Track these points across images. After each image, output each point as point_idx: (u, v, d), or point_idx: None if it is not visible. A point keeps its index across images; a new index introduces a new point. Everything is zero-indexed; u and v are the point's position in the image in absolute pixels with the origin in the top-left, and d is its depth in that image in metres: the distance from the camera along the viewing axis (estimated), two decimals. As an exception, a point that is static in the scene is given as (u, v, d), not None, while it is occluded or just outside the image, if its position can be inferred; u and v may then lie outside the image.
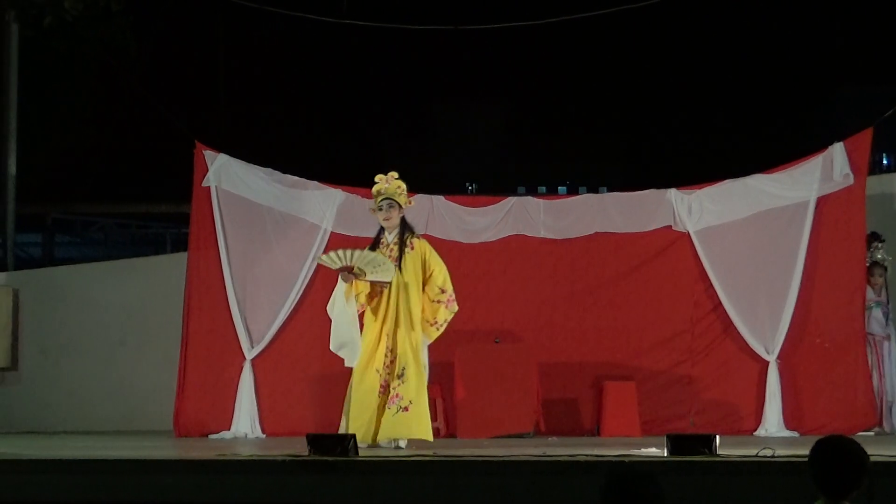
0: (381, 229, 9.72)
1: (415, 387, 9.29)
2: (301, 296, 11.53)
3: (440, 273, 9.54)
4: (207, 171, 11.62)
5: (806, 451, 4.65)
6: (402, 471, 7.37)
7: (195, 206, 11.71)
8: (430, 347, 11.37)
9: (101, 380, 12.59)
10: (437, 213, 11.70)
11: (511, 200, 11.81)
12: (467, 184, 28.02)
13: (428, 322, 9.51)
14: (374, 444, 9.20)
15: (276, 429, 11.22)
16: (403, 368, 9.32)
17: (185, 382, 11.35)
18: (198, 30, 21.30)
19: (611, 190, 14.18)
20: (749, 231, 11.47)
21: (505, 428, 10.72)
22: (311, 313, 11.57)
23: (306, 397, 11.51)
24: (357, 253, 9.42)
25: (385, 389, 9.34)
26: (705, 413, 11.27)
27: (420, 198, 11.73)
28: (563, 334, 11.60)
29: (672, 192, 11.63)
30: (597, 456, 7.86)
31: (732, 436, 10.25)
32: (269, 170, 11.81)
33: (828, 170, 11.37)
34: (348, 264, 9.39)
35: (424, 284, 9.53)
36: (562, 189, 30.07)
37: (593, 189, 21.45)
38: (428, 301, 9.52)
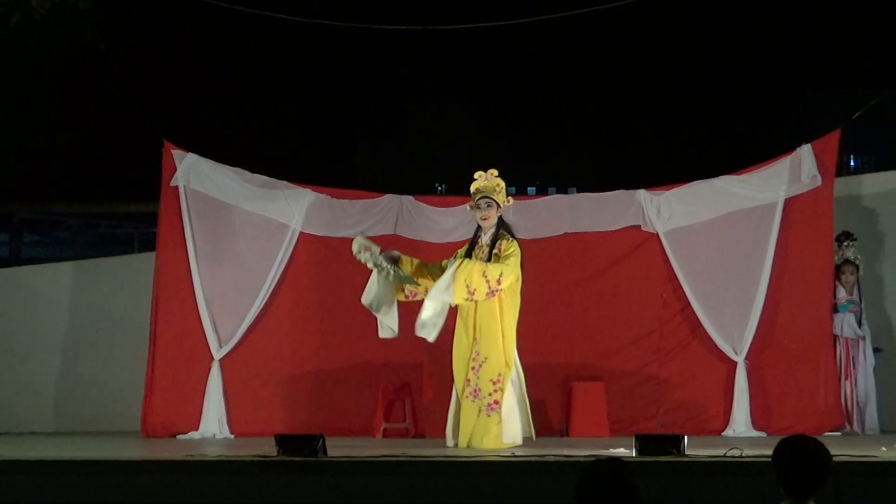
0: (478, 229, 9.63)
1: (509, 393, 9.31)
2: (270, 296, 11.52)
3: (500, 268, 9.27)
4: (176, 170, 11.60)
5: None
6: (370, 471, 7.36)
7: (163, 205, 11.67)
8: (399, 348, 11.41)
9: (69, 380, 12.54)
10: (407, 212, 11.70)
11: (481, 201, 11.80)
12: (437, 184, 28.02)
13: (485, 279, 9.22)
14: (463, 446, 9.24)
15: (245, 429, 11.19)
16: (499, 375, 9.32)
17: (154, 383, 11.31)
18: (168, 29, 21.20)
19: (580, 190, 14.24)
20: (717, 232, 11.50)
21: (474, 428, 10.70)
22: (279, 313, 11.57)
23: (275, 398, 11.48)
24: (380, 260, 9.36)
25: (476, 393, 9.35)
26: (673, 413, 11.30)
27: (389, 198, 11.76)
28: (531, 335, 11.53)
29: (641, 193, 11.66)
30: (565, 456, 7.87)
31: (700, 436, 10.28)
32: (239, 169, 11.79)
33: (796, 171, 11.42)
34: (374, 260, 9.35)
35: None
36: (531, 189, 30.15)
37: (562, 189, 21.53)
38: (482, 273, 9.22)
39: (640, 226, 11.62)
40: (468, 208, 9.81)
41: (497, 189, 9.56)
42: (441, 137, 30.73)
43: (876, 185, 12.55)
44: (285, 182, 11.81)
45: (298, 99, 26.74)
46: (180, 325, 11.42)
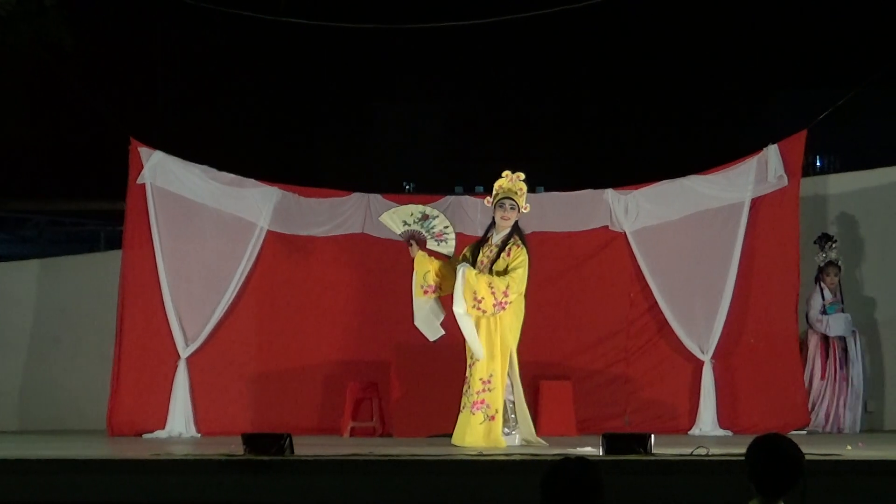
0: (491, 226, 9.69)
1: (501, 395, 9.40)
2: (236, 294, 11.48)
3: (506, 280, 9.37)
4: (143, 168, 11.55)
5: (740, 450, 4.67)
6: (337, 470, 7.35)
7: (130, 203, 11.62)
8: (367, 346, 11.38)
9: (34, 378, 12.46)
10: (375, 211, 11.66)
11: (448, 199, 11.81)
12: (405, 182, 27.98)
13: (475, 297, 9.35)
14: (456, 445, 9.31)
15: (211, 428, 11.16)
16: (491, 375, 9.35)
17: (119, 381, 11.26)
18: (134, 26, 21.11)
19: (548, 190, 14.21)
20: (685, 232, 11.54)
21: (441, 427, 10.69)
22: (246, 312, 11.54)
23: (242, 396, 11.46)
24: (422, 213, 9.59)
25: (468, 391, 9.48)
26: (640, 412, 11.34)
27: (357, 196, 11.74)
28: (499, 333, 11.59)
29: (609, 193, 11.68)
30: (532, 455, 7.88)
31: (667, 435, 10.31)
32: (206, 167, 11.75)
33: (762, 171, 11.47)
34: (412, 229, 9.48)
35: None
36: (499, 188, 30.06)
37: (530, 189, 21.47)
38: (488, 284, 9.36)
39: (607, 225, 11.64)
40: (485, 203, 9.85)
41: (520, 192, 9.67)
42: (408, 136, 30.73)
43: (842, 185, 12.62)
44: (252, 180, 11.78)
45: (265, 97, 26.67)
46: (146, 324, 11.37)
